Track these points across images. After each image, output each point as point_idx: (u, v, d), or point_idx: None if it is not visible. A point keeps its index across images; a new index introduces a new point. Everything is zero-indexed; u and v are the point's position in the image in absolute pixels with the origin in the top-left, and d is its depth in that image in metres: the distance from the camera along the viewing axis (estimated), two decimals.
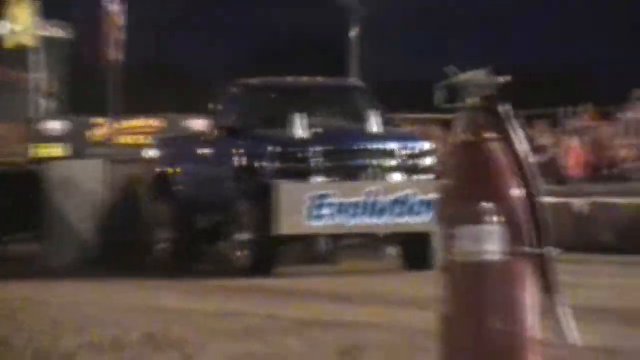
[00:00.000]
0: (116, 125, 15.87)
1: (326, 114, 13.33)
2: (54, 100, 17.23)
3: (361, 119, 12.68)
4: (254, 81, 14.34)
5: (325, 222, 11.59)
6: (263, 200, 11.59)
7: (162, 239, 13.75)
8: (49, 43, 17.37)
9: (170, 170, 14.28)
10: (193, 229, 13.76)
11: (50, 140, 15.41)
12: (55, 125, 15.51)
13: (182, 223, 13.67)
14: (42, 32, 17.04)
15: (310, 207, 11.50)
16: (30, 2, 16.87)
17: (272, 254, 12.04)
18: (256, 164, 12.20)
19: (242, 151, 12.51)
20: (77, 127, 15.65)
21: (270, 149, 12.05)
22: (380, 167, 12.25)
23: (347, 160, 12.31)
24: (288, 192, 11.54)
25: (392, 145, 12.46)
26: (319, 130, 12.36)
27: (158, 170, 14.57)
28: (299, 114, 12.03)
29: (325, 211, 11.54)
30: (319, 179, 11.95)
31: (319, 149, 12.01)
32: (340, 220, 11.64)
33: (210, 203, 13.23)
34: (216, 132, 13.32)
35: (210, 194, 13.26)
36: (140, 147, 15.73)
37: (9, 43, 16.81)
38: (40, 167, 14.64)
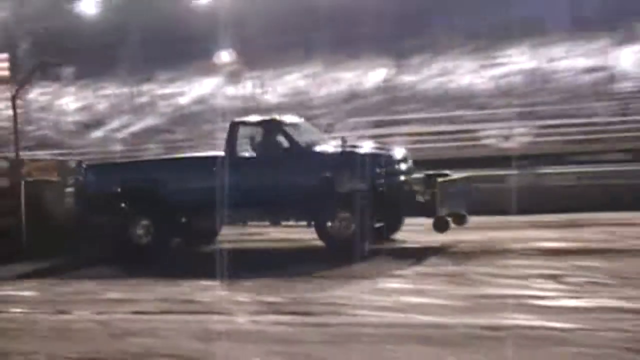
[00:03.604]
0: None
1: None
2: None
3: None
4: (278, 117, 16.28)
5: (448, 206, 14.58)
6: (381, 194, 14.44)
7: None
8: None
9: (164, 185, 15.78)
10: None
11: None
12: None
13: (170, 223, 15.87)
14: None
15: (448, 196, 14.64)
16: None
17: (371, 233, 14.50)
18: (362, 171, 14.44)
19: (335, 162, 14.84)
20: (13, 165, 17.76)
21: (375, 159, 14.78)
22: (407, 168, 15.45)
23: (394, 165, 15.08)
24: (446, 186, 14.67)
25: (404, 153, 15.73)
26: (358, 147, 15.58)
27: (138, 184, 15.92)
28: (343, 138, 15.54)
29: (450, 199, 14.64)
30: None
31: (382, 159, 14.90)
32: (450, 205, 14.66)
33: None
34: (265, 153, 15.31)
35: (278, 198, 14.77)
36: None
37: None
38: None
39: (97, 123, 42.54)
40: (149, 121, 40.64)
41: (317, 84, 43.31)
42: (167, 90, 44.86)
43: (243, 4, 41.22)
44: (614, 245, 13.63)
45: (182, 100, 44.40)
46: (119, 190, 15.93)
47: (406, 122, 35.37)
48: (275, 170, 15.00)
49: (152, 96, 44.32)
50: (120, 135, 39.04)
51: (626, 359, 6.57)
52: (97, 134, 39.93)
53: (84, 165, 17.48)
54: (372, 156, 14.83)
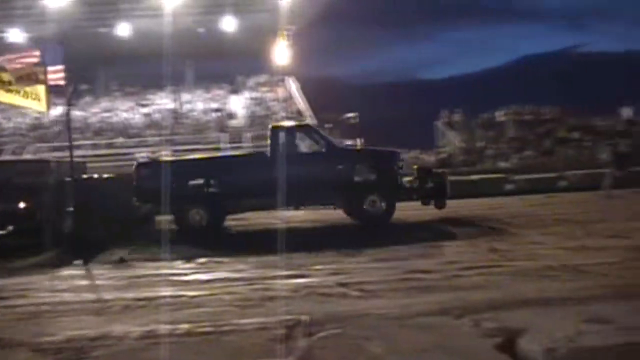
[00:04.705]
0: None
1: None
2: None
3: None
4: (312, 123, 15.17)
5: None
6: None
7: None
8: None
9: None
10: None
11: None
12: None
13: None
14: None
15: None
16: None
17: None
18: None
19: (366, 157, 14.38)
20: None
21: (396, 156, 14.41)
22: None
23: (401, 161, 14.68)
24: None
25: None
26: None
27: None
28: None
29: None
30: None
31: (400, 156, 14.64)
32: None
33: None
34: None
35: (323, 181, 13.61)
36: None
37: None
38: None
39: None
40: None
41: (4, 117, 40.32)
42: None
43: None
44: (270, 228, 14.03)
45: None
46: (176, 184, 13.34)
47: (78, 147, 34.07)
48: (317, 164, 13.67)
49: None
50: None
51: (237, 312, 6.87)
52: None
53: (141, 161, 15.49)
54: (394, 153, 14.43)
